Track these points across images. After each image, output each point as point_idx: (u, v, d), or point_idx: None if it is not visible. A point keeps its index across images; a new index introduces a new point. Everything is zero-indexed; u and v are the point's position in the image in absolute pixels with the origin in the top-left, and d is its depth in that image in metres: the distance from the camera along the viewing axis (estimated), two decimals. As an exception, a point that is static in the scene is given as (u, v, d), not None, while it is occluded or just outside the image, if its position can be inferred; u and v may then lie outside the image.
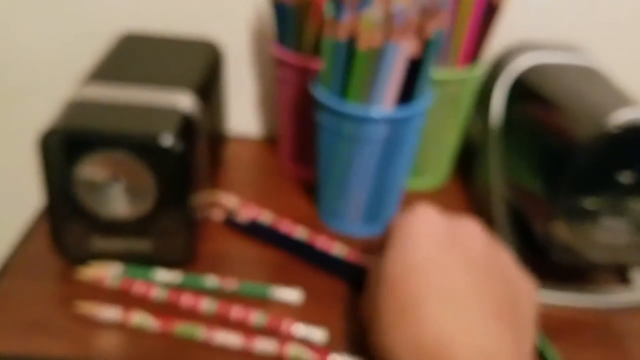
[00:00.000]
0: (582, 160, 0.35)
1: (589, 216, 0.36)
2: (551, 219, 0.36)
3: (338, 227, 0.45)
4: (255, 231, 0.44)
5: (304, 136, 0.49)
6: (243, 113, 0.57)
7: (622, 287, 0.41)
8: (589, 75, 0.43)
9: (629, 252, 0.37)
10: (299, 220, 0.45)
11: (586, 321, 0.38)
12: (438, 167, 0.51)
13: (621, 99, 0.39)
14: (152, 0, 0.52)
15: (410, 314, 0.29)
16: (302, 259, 0.42)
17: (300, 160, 0.51)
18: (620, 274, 0.42)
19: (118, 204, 0.37)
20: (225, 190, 0.48)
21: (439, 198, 0.50)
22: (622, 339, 0.37)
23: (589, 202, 0.36)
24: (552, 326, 0.37)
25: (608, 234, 0.36)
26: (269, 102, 0.57)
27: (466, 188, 0.52)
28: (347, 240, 0.44)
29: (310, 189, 0.48)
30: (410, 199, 0.49)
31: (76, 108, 0.37)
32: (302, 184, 0.51)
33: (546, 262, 0.38)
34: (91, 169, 0.35)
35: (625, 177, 0.36)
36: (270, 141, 0.57)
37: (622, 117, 0.35)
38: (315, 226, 0.45)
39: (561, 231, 0.37)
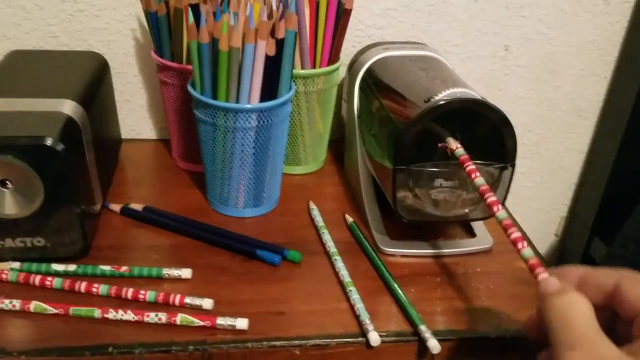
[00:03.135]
0: (412, 134, 0.41)
1: (426, 180, 0.43)
2: (396, 186, 0.43)
3: (226, 213, 0.50)
4: (149, 218, 0.48)
5: (189, 133, 0.54)
6: (136, 117, 0.61)
7: (468, 239, 0.49)
8: (427, 64, 0.50)
9: (462, 207, 0.45)
10: (191, 209, 0.50)
11: (437, 266, 0.46)
12: (315, 153, 0.58)
13: (449, 82, 0.47)
14: (40, 19, 0.55)
15: None
16: (193, 238, 0.46)
17: (188, 155, 0.56)
18: (466, 229, 0.50)
19: (9, 205, 0.40)
20: (121, 187, 0.52)
21: (317, 179, 0.57)
22: (465, 278, 0.45)
23: (424, 168, 0.43)
24: (411, 272, 0.44)
25: (443, 193, 0.44)
26: (159, 106, 0.61)
27: (340, 169, 0.59)
28: (235, 222, 0.49)
29: (200, 182, 0.53)
30: (293, 182, 0.55)
31: (-39, 118, 0.40)
32: (192, 178, 0.55)
33: (405, 223, 0.45)
34: (-21, 174, 0.38)
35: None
36: (163, 141, 0.62)
37: (445, 94, 0.42)
38: (206, 214, 0.50)
39: (404, 195, 0.43)
